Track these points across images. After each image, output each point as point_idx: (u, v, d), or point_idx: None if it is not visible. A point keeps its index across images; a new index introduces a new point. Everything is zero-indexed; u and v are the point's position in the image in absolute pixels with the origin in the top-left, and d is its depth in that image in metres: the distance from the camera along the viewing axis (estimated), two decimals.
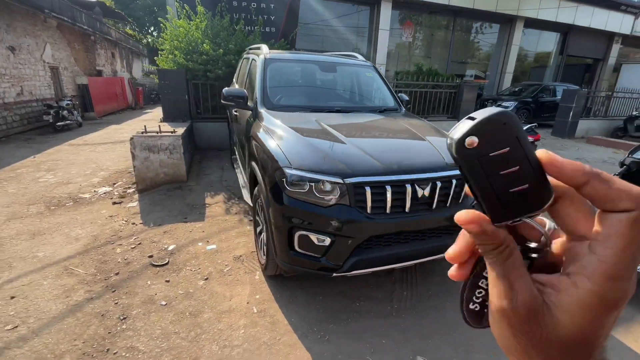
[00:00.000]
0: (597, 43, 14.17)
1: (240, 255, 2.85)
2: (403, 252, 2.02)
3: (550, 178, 0.23)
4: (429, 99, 7.81)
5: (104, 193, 4.26)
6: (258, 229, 2.71)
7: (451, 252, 0.27)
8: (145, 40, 23.78)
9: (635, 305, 2.36)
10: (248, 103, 2.91)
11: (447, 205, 2.07)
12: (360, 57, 3.75)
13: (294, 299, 2.33)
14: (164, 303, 2.23)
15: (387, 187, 1.88)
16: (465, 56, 13.88)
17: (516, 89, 11.97)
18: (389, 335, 2.05)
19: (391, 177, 1.88)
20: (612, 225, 0.20)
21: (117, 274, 2.54)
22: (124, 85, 15.13)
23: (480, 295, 0.27)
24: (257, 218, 2.69)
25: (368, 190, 1.85)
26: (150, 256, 2.79)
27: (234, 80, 4.91)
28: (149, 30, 26.42)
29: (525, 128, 6.23)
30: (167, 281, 2.47)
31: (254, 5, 7.94)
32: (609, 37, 14.06)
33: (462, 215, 0.24)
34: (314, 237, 1.92)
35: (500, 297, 0.23)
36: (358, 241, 1.90)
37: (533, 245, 0.25)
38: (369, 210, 1.89)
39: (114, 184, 4.62)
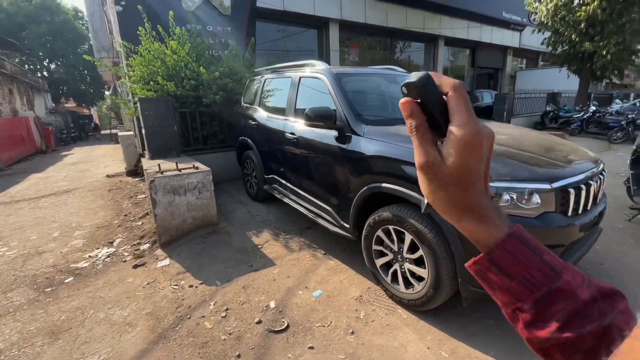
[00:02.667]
0: (497, 55, 17.09)
1: (360, 296, 2.44)
2: (581, 253, 1.97)
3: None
4: None
5: (108, 257, 3.29)
6: (381, 261, 2.36)
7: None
8: (41, 73, 20.30)
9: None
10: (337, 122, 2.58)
11: (600, 198, 2.11)
12: (399, 69, 3.73)
13: (468, 330, 2.05)
14: None
15: (582, 186, 1.82)
16: None
17: None
18: None
19: (581, 176, 1.83)
20: (451, 99, 0.35)
21: (238, 356, 1.90)
22: (30, 125, 12.52)
23: None
24: (380, 248, 2.35)
25: (572, 192, 1.76)
26: (259, 322, 2.18)
27: (246, 103, 4.40)
28: (44, 63, 22.68)
29: None
30: (311, 347, 1.95)
31: (209, 28, 7.46)
32: (504, 50, 17.09)
33: (403, 100, 0.36)
34: None
35: (420, 158, 0.35)
36: (564, 248, 1.77)
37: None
38: (569, 214, 1.79)
39: (111, 242, 3.62)
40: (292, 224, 3.78)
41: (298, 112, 3.23)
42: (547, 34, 11.25)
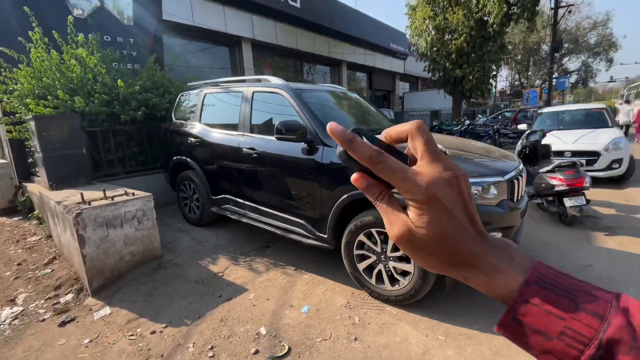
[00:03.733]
0: (388, 79, 19.73)
1: (348, 302, 2.47)
2: (520, 235, 2.46)
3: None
4: None
5: (15, 319, 2.51)
6: (364, 264, 2.47)
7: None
8: None
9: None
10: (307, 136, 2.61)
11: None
12: (341, 87, 4.00)
13: (450, 312, 2.30)
14: None
15: (518, 177, 2.29)
16: None
17: None
18: None
19: (515, 171, 2.31)
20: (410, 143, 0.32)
21: None
22: None
23: None
24: (362, 252, 2.46)
25: (516, 182, 2.20)
26: (256, 352, 1.99)
27: (179, 120, 4.01)
28: None
29: None
30: None
31: (107, 38, 6.65)
32: (393, 75, 19.87)
33: (354, 177, 0.32)
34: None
35: (391, 232, 0.31)
36: (515, 229, 2.20)
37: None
38: (515, 200, 2.23)
39: (12, 300, 2.77)
40: (248, 246, 3.57)
41: (255, 128, 3.14)
42: (427, 62, 13.62)
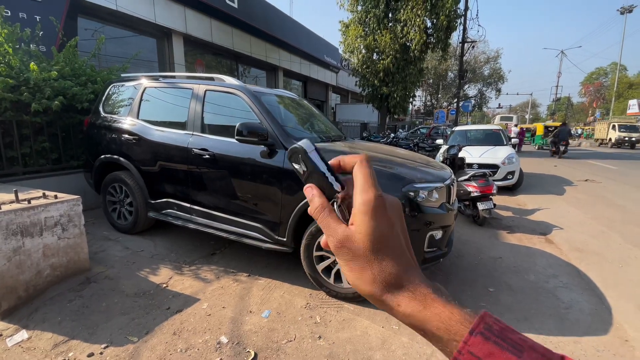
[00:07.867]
0: (321, 90, 20.48)
1: (307, 303, 2.52)
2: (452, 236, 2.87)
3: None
4: None
5: None
6: (322, 265, 2.57)
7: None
8: None
9: None
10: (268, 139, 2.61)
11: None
12: (290, 92, 4.06)
13: None
14: None
15: (452, 185, 2.67)
16: None
17: None
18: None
19: (451, 178, 2.69)
20: (354, 172, 0.34)
21: None
22: None
23: None
24: (321, 253, 2.56)
25: (452, 187, 2.56)
26: None
27: (109, 114, 3.56)
28: None
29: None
30: None
31: (7, 12, 5.64)
32: (326, 86, 20.71)
33: (308, 186, 0.36)
34: (435, 233, 2.38)
35: (330, 239, 0.33)
36: (452, 228, 2.56)
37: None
38: (450, 203, 2.60)
39: None
40: (192, 253, 3.35)
41: (206, 128, 3.00)
42: (358, 78, 14.62)
